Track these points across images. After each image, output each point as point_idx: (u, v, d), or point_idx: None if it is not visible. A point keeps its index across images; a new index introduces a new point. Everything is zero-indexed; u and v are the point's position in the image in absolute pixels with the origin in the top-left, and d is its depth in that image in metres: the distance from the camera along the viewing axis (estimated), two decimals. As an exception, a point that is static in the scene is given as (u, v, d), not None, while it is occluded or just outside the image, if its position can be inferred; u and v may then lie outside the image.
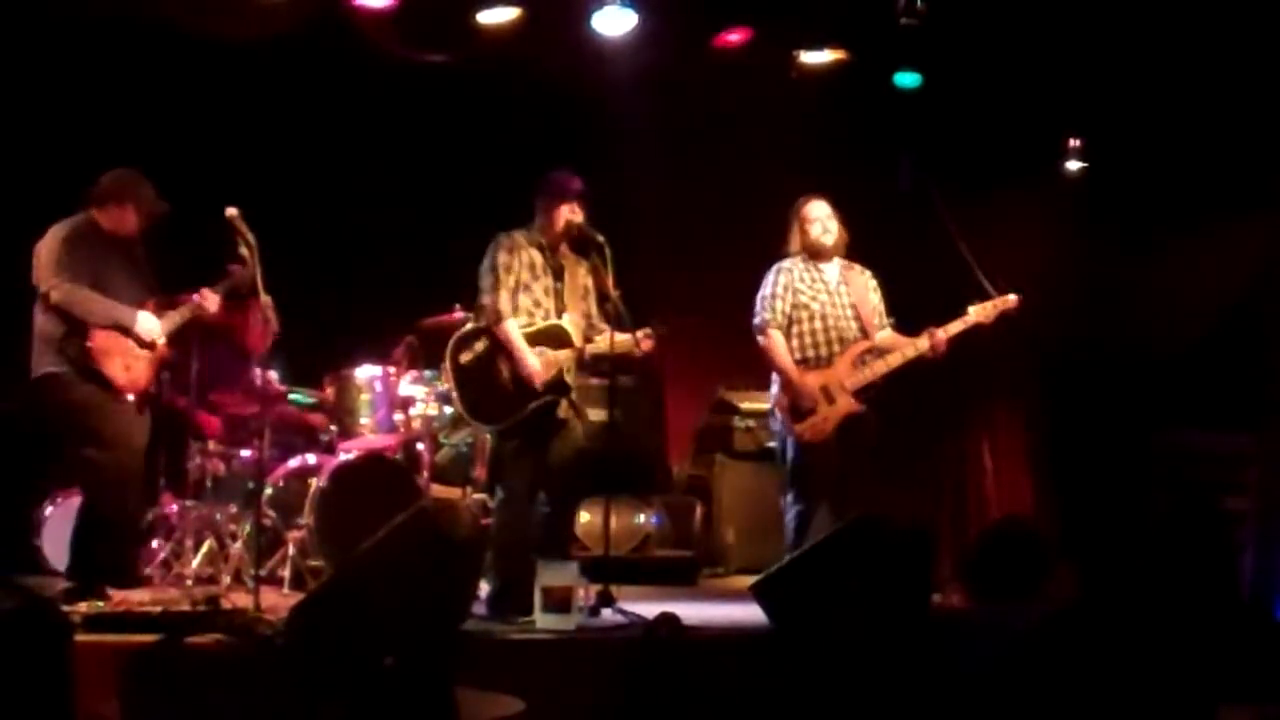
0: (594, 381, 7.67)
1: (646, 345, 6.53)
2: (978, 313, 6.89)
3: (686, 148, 8.74)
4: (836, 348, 6.84)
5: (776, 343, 6.85)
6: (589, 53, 7.79)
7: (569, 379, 6.47)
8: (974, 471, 8.54)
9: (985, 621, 4.76)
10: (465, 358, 6.42)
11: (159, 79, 7.86)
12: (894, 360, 6.82)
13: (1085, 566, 6.67)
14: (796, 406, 6.75)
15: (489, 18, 7.66)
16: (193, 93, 7.94)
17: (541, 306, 6.49)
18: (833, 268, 6.98)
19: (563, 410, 6.46)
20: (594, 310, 6.63)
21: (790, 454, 6.81)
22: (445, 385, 6.67)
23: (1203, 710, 4.31)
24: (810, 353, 6.84)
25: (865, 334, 6.89)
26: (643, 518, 8.16)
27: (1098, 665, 4.14)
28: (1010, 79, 8.04)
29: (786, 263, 6.96)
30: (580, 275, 6.61)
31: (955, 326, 6.86)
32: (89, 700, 3.83)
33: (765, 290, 6.91)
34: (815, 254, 6.94)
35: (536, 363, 6.36)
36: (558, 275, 6.54)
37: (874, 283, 7.03)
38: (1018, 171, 8.09)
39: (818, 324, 6.86)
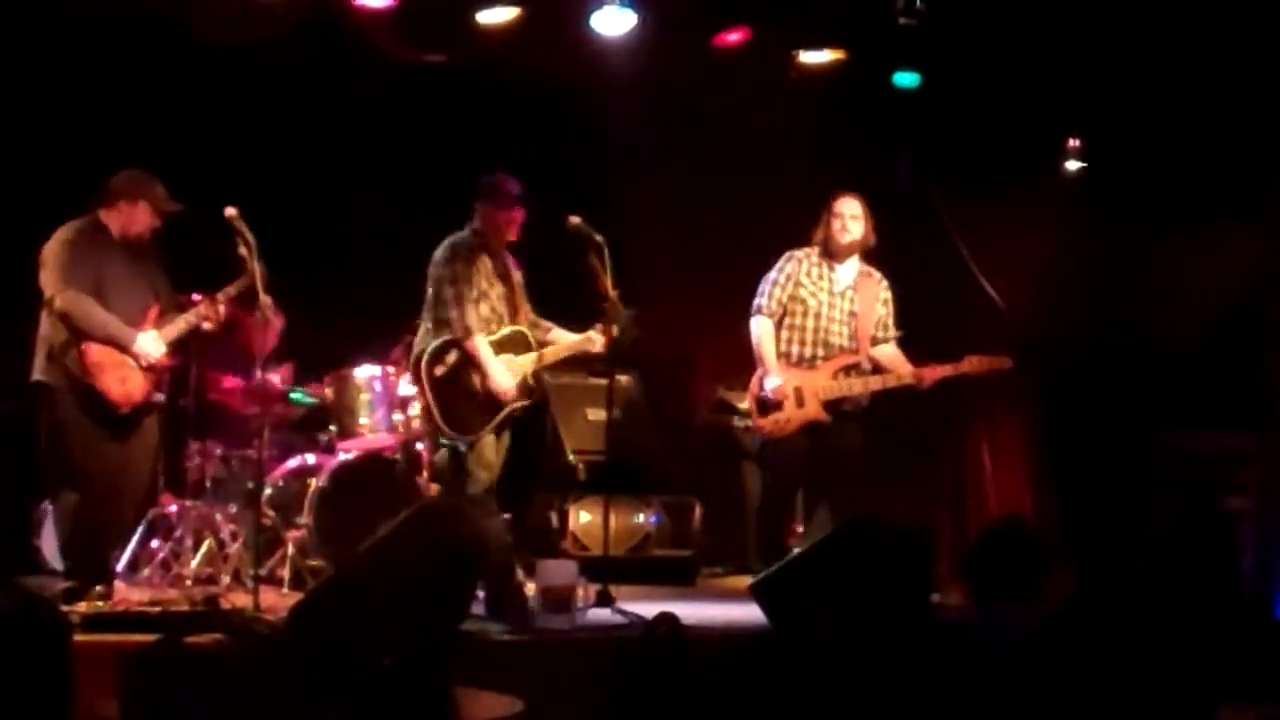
0: (592, 381, 7.67)
1: (596, 347, 6.57)
2: (970, 365, 6.95)
3: (685, 147, 8.73)
4: (820, 351, 6.91)
5: (763, 329, 6.95)
6: (588, 53, 7.79)
7: (531, 383, 6.52)
8: (974, 471, 8.54)
9: (985, 621, 4.75)
10: (439, 371, 6.43)
11: (157, 78, 7.84)
12: (874, 383, 6.92)
13: (1085, 566, 6.67)
14: (763, 399, 6.82)
15: (488, 17, 7.65)
16: (192, 92, 7.92)
17: (497, 312, 6.53)
18: (848, 270, 7.01)
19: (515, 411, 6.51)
20: (529, 307, 6.65)
21: (757, 446, 6.96)
22: (419, 400, 6.66)
23: (1203, 710, 4.31)
24: (795, 349, 6.91)
25: (856, 345, 6.93)
26: (642, 517, 8.15)
27: (1098, 665, 4.14)
28: (1009, 79, 8.03)
29: (800, 252, 7.03)
30: (515, 274, 6.63)
31: (944, 370, 6.91)
32: (89, 700, 3.82)
33: (771, 274, 6.98)
34: (832, 249, 6.98)
35: (508, 380, 6.40)
36: (505, 279, 6.55)
37: (887, 294, 7.07)
38: (1017, 171, 8.09)
39: (809, 322, 6.92)
